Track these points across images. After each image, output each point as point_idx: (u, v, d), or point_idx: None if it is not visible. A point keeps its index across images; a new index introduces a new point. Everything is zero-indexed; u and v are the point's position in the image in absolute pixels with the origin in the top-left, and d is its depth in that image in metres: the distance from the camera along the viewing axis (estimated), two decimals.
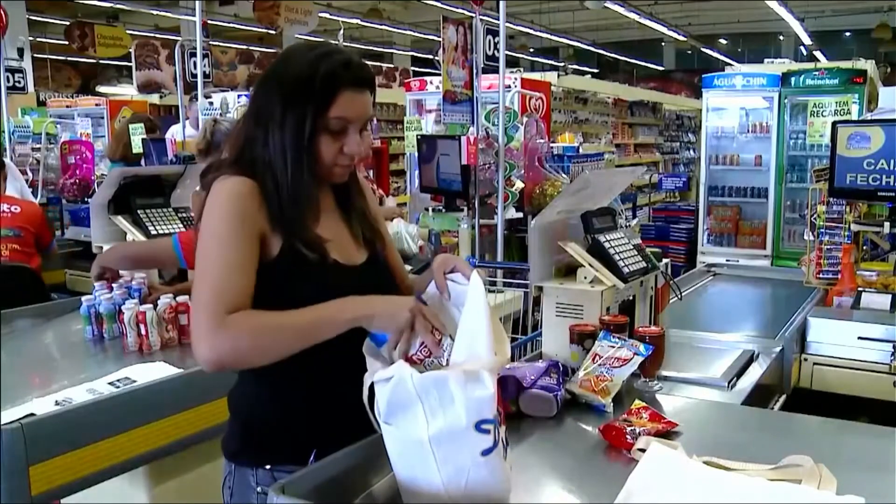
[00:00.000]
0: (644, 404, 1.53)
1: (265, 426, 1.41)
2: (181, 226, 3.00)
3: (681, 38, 17.62)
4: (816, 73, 6.50)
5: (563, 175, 4.14)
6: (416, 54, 18.82)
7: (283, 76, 1.34)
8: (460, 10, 9.57)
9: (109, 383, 1.95)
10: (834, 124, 3.05)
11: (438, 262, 1.35)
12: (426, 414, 1.10)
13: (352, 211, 1.49)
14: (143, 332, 2.27)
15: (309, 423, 1.39)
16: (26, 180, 4.91)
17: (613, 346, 1.68)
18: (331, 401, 1.38)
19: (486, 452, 1.11)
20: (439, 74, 4.08)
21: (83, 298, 2.35)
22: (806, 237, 3.21)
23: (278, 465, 1.36)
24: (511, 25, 13.06)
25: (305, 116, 1.31)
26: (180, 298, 2.41)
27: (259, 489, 1.37)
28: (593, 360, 1.68)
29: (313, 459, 1.32)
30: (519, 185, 4.00)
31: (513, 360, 1.95)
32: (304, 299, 1.28)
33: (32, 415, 1.70)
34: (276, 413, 1.40)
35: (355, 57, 1.37)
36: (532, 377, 1.60)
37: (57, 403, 1.81)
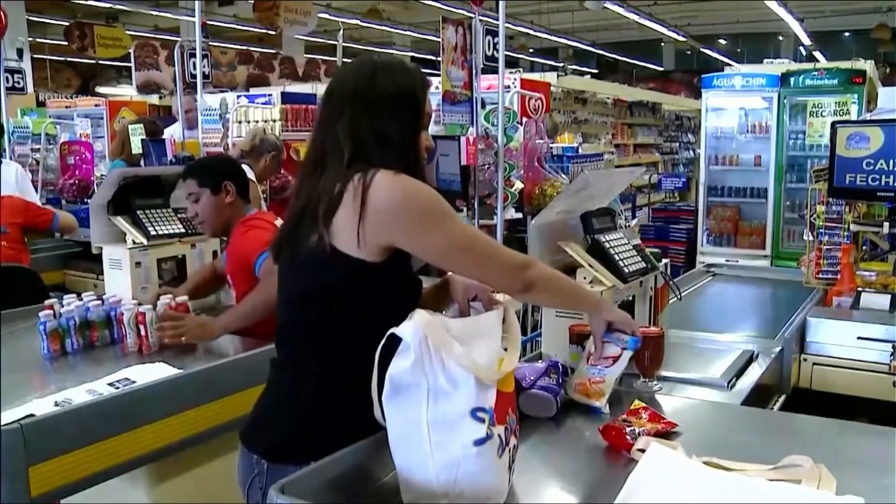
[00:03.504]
0: (644, 404, 1.53)
1: (312, 424, 1.42)
2: (180, 226, 3.00)
3: (680, 38, 17.63)
4: (816, 73, 6.50)
5: (563, 175, 4.14)
6: (415, 55, 18.82)
7: (388, 85, 1.49)
8: (460, 11, 9.58)
9: (109, 384, 1.96)
10: (833, 124, 3.05)
11: (461, 290, 1.59)
12: (429, 393, 1.14)
13: None
14: (142, 332, 2.27)
15: (362, 416, 1.34)
16: None
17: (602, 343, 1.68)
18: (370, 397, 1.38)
19: (478, 443, 1.13)
20: (438, 75, 4.08)
21: (41, 314, 2.24)
22: (805, 237, 3.21)
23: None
24: (510, 26, 13.06)
25: (416, 116, 1.52)
26: (179, 299, 2.40)
27: None
28: (587, 360, 1.68)
29: None
30: (518, 185, 4.00)
31: None
32: (401, 298, 1.45)
33: (32, 415, 1.70)
34: (331, 406, 1.42)
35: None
36: (531, 377, 1.60)
37: (56, 404, 1.81)
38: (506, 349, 1.27)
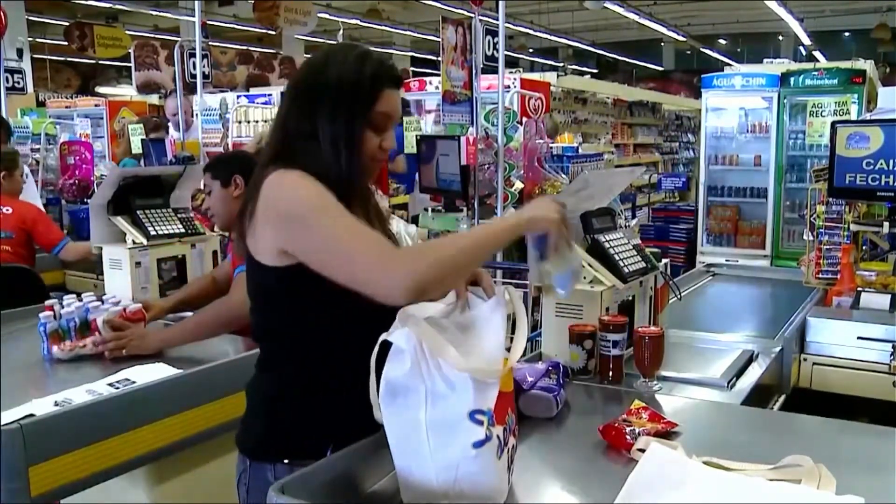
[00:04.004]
0: (644, 404, 1.53)
1: (285, 422, 1.42)
2: (180, 226, 3.00)
3: (680, 38, 17.62)
4: (816, 73, 6.50)
5: (563, 175, 4.14)
6: (415, 54, 18.81)
7: (327, 76, 1.39)
8: (459, 11, 9.57)
9: (109, 384, 1.95)
10: (833, 124, 3.05)
11: None
12: (427, 397, 1.13)
13: (370, 208, 1.52)
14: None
15: (327, 419, 1.40)
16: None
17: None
18: (351, 395, 1.38)
19: (477, 445, 1.12)
20: (439, 75, 4.08)
21: (41, 315, 2.22)
22: (805, 237, 3.21)
23: (297, 460, 1.36)
24: (510, 26, 13.06)
25: (356, 112, 1.38)
26: (132, 307, 2.34)
27: None
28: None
29: (330, 454, 1.33)
30: (518, 185, 4.00)
31: None
32: (336, 297, 1.30)
33: (32, 415, 1.70)
34: (295, 409, 1.42)
35: (387, 58, 1.46)
36: (532, 379, 1.60)
37: (56, 404, 1.81)
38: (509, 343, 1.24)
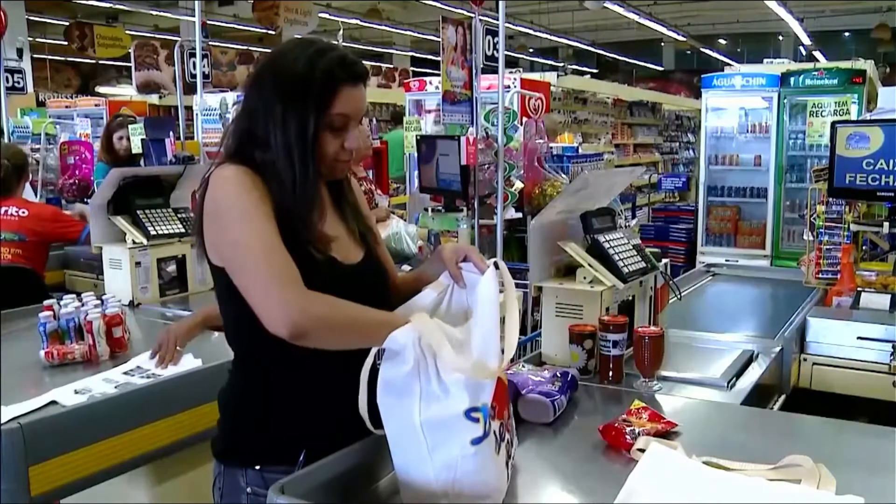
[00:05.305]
0: (644, 404, 1.54)
1: (254, 426, 1.40)
2: (180, 226, 3.00)
3: (680, 38, 17.62)
4: (816, 73, 6.51)
5: (563, 175, 4.13)
6: (415, 54, 18.81)
7: (278, 75, 1.33)
8: (460, 11, 9.57)
9: (124, 373, 2.03)
10: (833, 124, 3.05)
11: (449, 253, 1.37)
12: (422, 398, 1.13)
13: (346, 207, 1.49)
14: (90, 341, 2.23)
15: (297, 424, 1.37)
16: None
17: None
18: (320, 401, 1.37)
19: (475, 441, 1.12)
20: (438, 75, 4.07)
21: (40, 315, 2.22)
22: (805, 237, 3.21)
23: (268, 465, 1.35)
24: (510, 26, 13.06)
25: (307, 115, 1.30)
26: (111, 311, 2.30)
27: (249, 490, 1.36)
28: None
29: (303, 460, 1.30)
30: (518, 185, 3.99)
31: (513, 360, 1.94)
32: None
33: (34, 412, 1.72)
34: (264, 413, 1.39)
35: (348, 53, 1.37)
36: (531, 385, 1.59)
37: (77, 392, 1.86)
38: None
